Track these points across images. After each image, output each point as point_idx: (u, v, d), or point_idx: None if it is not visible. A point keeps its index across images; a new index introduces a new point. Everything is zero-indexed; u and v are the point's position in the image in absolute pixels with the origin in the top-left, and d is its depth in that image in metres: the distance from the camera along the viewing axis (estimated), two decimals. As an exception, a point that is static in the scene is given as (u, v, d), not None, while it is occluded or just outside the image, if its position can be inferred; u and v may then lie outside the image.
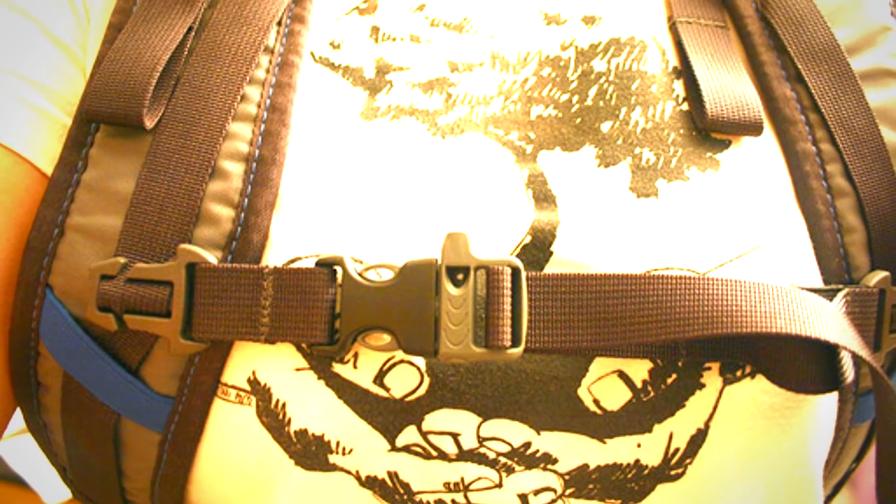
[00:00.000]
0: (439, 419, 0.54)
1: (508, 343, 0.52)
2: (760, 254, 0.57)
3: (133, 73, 0.58)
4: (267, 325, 0.53)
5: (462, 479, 0.55)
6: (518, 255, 0.55)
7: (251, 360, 0.54)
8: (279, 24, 0.62)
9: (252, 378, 0.54)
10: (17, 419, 0.63)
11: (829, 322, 0.52)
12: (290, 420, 0.54)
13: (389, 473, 0.54)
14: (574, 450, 0.54)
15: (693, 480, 0.56)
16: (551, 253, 0.55)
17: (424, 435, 0.54)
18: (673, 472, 0.56)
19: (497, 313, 0.52)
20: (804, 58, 0.64)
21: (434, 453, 0.54)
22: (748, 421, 0.56)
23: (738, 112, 0.60)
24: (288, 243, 0.55)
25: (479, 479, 0.55)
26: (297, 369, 0.54)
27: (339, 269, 0.53)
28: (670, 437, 0.55)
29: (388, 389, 0.54)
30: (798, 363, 0.54)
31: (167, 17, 0.61)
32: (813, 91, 0.62)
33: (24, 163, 0.59)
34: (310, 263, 0.54)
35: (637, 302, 0.52)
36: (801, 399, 0.57)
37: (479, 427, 0.54)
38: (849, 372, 0.55)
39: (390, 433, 0.54)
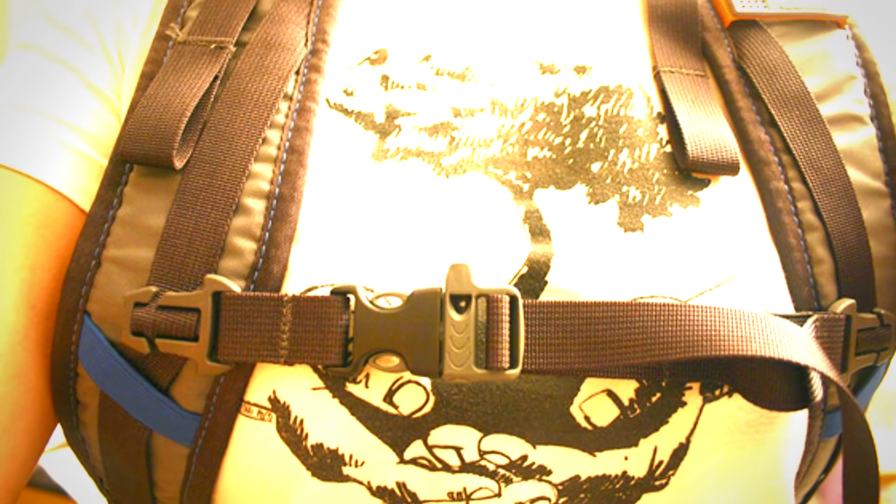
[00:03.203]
0: (444, 434, 0.54)
1: (507, 365, 0.52)
2: (737, 283, 0.57)
3: (164, 117, 0.59)
4: (286, 349, 0.53)
5: (464, 489, 0.55)
6: (516, 285, 0.56)
7: (272, 381, 0.55)
8: (297, 73, 0.62)
9: (272, 396, 0.55)
10: (58, 434, 0.63)
11: (800, 345, 0.52)
12: (307, 435, 0.54)
13: (398, 484, 0.55)
14: (567, 462, 0.55)
15: (676, 490, 0.56)
16: (546, 282, 0.56)
17: (430, 449, 0.55)
18: (657, 483, 0.56)
19: (497, 337, 0.52)
20: (777, 104, 0.64)
21: (439, 465, 0.55)
22: (726, 436, 0.56)
23: (716, 154, 0.61)
24: (305, 273, 0.55)
25: (480, 488, 0.55)
26: (314, 388, 0.54)
27: (352, 297, 0.53)
28: (655, 450, 0.56)
29: (396, 407, 0.54)
30: (771, 383, 0.55)
31: (195, 67, 0.62)
32: (785, 134, 0.63)
33: (65, 200, 0.60)
34: (325, 292, 0.54)
35: (624, 327, 0.52)
36: (774, 416, 0.57)
37: (479, 441, 0.54)
38: (818, 391, 0.55)
39: (399, 447, 0.55)
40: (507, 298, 0.53)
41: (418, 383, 0.54)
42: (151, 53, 0.64)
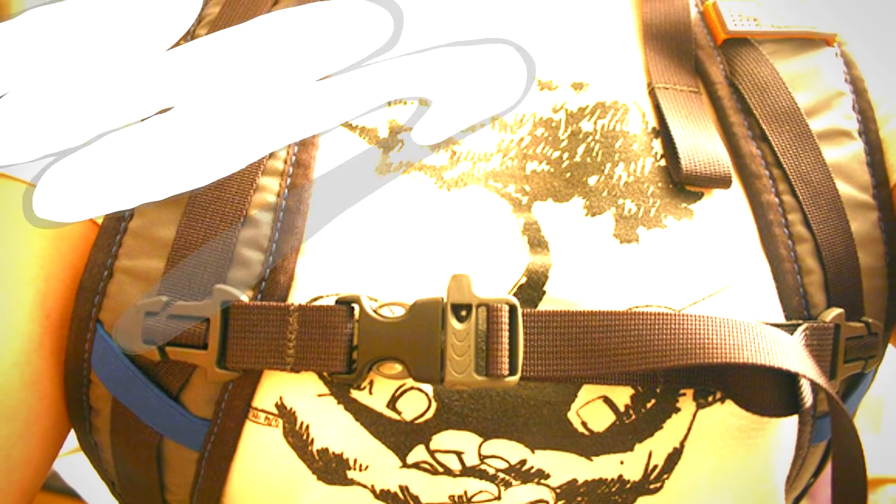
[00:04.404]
0: (445, 439, 0.55)
1: (506, 372, 0.53)
2: (729, 293, 0.58)
3: None
4: (292, 356, 0.53)
5: (465, 493, 0.55)
6: (515, 294, 0.56)
7: (278, 387, 0.55)
8: None
9: (279, 403, 0.55)
10: (72, 439, 0.64)
11: (790, 353, 0.53)
12: (312, 440, 0.55)
13: (401, 487, 0.55)
14: (564, 466, 0.55)
15: (670, 494, 0.57)
16: (544, 292, 0.56)
17: (432, 453, 0.55)
18: (652, 487, 0.57)
19: (496, 345, 0.53)
20: (768, 119, 0.64)
21: (440, 469, 0.55)
22: (718, 441, 0.57)
23: (709, 167, 0.61)
24: (311, 283, 0.56)
25: (481, 492, 0.55)
26: (319, 395, 0.55)
27: (356, 307, 0.54)
28: (650, 455, 0.56)
29: (399, 413, 0.55)
30: (763, 390, 0.55)
31: None
32: (776, 149, 0.63)
33: None
34: (330, 301, 0.55)
35: (620, 335, 0.53)
36: (765, 421, 0.57)
37: (480, 446, 0.55)
38: (808, 397, 0.56)
39: (402, 451, 0.55)
40: (506, 308, 0.53)
41: (420, 390, 0.55)
42: None
